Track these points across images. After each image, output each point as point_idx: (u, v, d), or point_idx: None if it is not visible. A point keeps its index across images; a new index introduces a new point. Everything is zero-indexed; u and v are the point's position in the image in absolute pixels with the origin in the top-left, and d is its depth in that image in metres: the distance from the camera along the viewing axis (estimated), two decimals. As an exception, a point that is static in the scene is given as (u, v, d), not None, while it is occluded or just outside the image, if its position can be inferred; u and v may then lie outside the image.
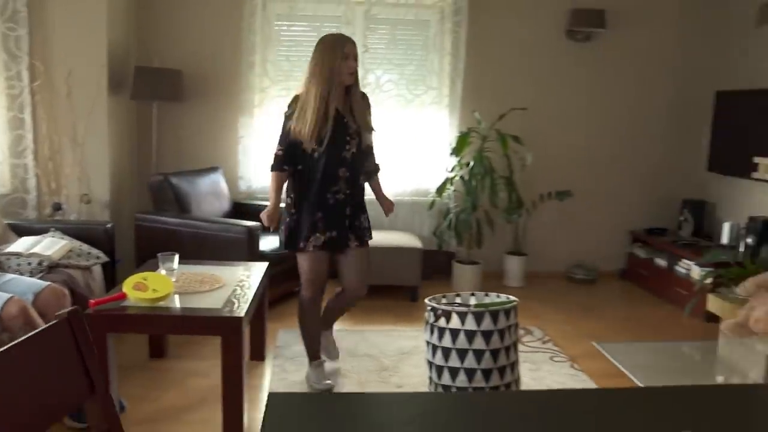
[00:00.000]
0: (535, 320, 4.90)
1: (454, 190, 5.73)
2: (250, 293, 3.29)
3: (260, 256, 4.52)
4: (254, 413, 3.31)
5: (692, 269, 5.22)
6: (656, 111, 6.22)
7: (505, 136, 5.40)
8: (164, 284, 3.06)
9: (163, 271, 3.34)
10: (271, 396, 1.60)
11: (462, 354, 3.26)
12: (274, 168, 3.45)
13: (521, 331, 4.54)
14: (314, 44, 3.38)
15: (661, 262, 5.70)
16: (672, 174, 6.27)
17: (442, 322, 3.30)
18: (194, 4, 5.57)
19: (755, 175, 4.32)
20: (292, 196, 3.48)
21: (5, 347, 1.34)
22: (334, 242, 3.48)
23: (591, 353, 4.28)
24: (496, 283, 5.80)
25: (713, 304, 4.46)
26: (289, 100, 3.47)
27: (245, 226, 4.53)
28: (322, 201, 3.42)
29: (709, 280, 4.69)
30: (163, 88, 5.16)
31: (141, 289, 3.00)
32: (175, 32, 5.57)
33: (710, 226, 5.78)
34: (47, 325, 1.45)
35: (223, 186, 5.39)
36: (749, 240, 4.85)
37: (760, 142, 4.81)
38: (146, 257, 4.07)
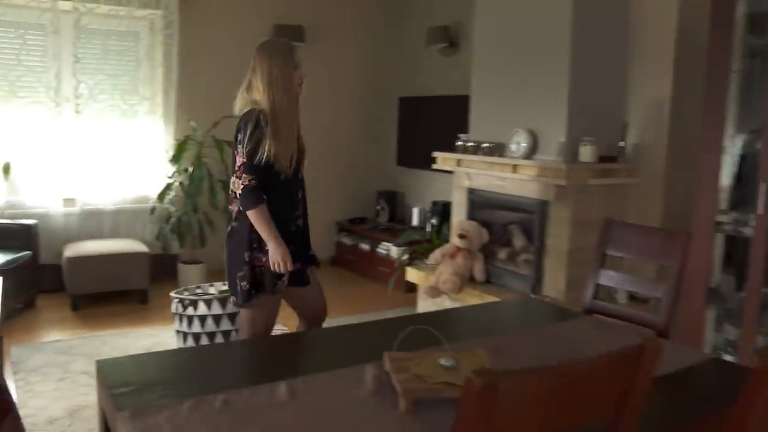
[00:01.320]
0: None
1: (175, 195, 5.99)
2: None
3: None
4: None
5: (391, 250, 6.12)
6: (352, 115, 7.08)
7: (221, 142, 5.81)
8: None
9: None
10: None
11: (211, 337, 3.65)
12: (258, 202, 2.77)
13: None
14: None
15: (365, 246, 6.55)
16: (368, 169, 7.19)
17: (190, 310, 3.65)
18: None
19: (434, 166, 5.27)
20: (255, 232, 2.84)
21: None
22: (298, 275, 3.01)
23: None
24: (221, 280, 6.17)
25: (411, 275, 5.32)
26: None
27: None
28: (287, 231, 2.91)
29: (405, 257, 5.57)
30: None
31: None
32: None
33: (402, 212, 6.79)
34: None
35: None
36: (434, 221, 5.88)
37: (437, 139, 5.82)
38: None
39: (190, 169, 5.86)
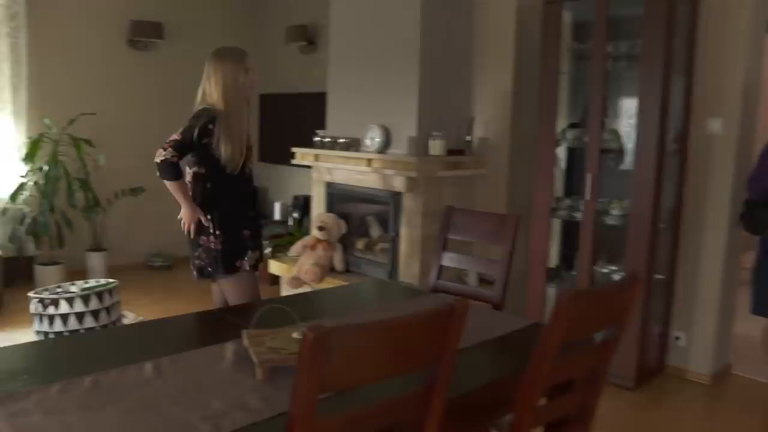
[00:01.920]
0: (126, 306, 5.36)
1: (30, 195, 5.82)
2: None
3: None
4: None
5: (255, 244, 6.24)
6: (212, 112, 7.11)
7: (78, 140, 5.71)
8: None
9: None
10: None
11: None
12: (177, 177, 3.08)
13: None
14: None
15: (230, 241, 6.62)
16: (230, 166, 7.25)
17: (51, 309, 3.64)
18: None
19: (294, 162, 5.44)
20: (211, 216, 3.18)
21: None
22: (258, 260, 3.33)
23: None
24: (83, 279, 6.06)
25: (273, 267, 5.48)
26: None
27: None
28: (245, 219, 3.26)
29: (269, 250, 5.72)
30: None
31: None
32: None
33: (266, 207, 6.92)
34: None
35: None
36: (295, 214, 6.05)
37: (297, 135, 5.99)
38: None
39: (46, 167, 5.72)
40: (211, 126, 3.07)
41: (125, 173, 6.48)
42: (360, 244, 4.96)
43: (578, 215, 4.16)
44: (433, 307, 1.39)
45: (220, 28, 7.04)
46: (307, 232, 5.39)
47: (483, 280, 4.43)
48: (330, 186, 5.11)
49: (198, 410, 1.63)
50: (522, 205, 4.55)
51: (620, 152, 4.22)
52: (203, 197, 3.18)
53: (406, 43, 4.53)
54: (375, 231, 5.02)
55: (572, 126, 4.36)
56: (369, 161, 4.60)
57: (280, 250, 5.58)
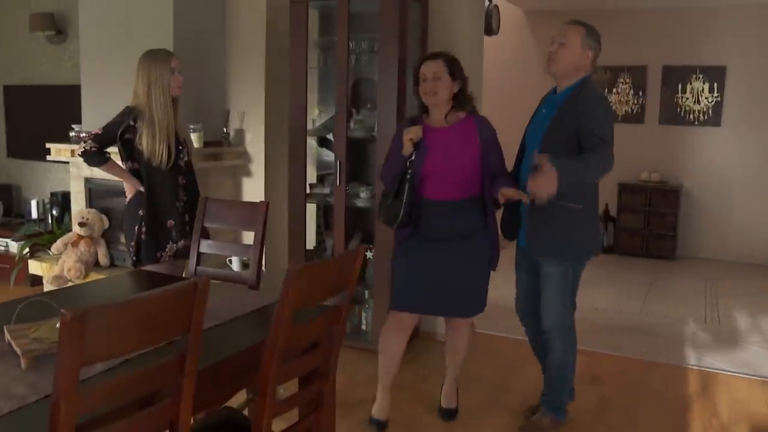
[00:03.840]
0: None
1: None
2: None
3: None
4: None
5: (10, 245, 5.97)
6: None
7: None
8: None
9: None
10: None
11: None
12: (104, 160, 3.54)
13: None
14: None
15: (-20, 243, 6.26)
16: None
17: None
18: None
19: (50, 157, 5.28)
20: (142, 210, 3.55)
21: None
22: (185, 249, 3.50)
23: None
24: None
25: (34, 267, 5.31)
26: None
27: None
28: (171, 210, 3.58)
29: (26, 250, 5.52)
30: None
31: None
32: None
33: (19, 206, 6.60)
34: None
35: None
36: (54, 211, 5.88)
37: (51, 128, 5.78)
38: None
39: None
40: (132, 122, 3.44)
41: None
42: (124, 238, 4.99)
43: (331, 199, 4.55)
44: (179, 285, 1.64)
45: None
46: (68, 229, 5.29)
47: (246, 266, 4.69)
48: (89, 181, 5.06)
49: (-40, 404, 1.70)
50: (282, 192, 4.86)
51: (370, 140, 4.62)
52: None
53: (160, 35, 4.60)
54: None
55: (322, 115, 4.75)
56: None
57: (41, 249, 5.42)
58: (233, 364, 2.13)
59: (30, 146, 6.21)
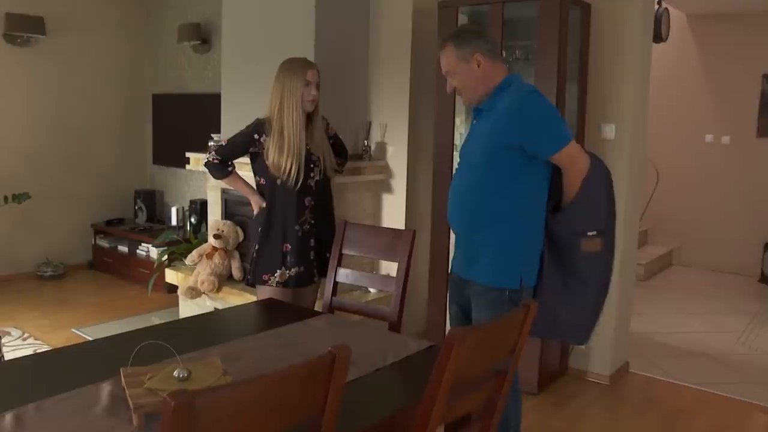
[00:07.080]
0: (11, 321, 5.06)
1: None
2: None
3: None
4: None
5: (151, 251, 6.00)
6: (105, 111, 6.76)
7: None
8: None
9: None
10: None
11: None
12: (225, 174, 3.38)
13: (-2, 334, 4.68)
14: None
15: (123, 248, 6.35)
16: (124, 168, 6.94)
17: None
18: None
19: (188, 166, 5.23)
20: (262, 226, 3.33)
21: None
22: (299, 277, 3.30)
23: (73, 339, 4.70)
24: None
25: (170, 276, 5.27)
26: None
27: None
28: (290, 231, 3.28)
29: (165, 258, 5.50)
30: None
31: None
32: None
33: (161, 212, 6.66)
34: None
35: None
36: (192, 220, 5.84)
37: (192, 136, 5.77)
38: None
39: None
40: (257, 136, 3.23)
41: (7, 178, 6.10)
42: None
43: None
44: (313, 357, 1.31)
45: (107, 23, 6.71)
46: (204, 239, 5.20)
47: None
48: (226, 192, 4.94)
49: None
50: (425, 208, 4.51)
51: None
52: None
53: (301, 44, 4.40)
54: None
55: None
56: (265, 167, 4.46)
57: (177, 257, 5.37)
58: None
59: (173, 154, 6.23)
